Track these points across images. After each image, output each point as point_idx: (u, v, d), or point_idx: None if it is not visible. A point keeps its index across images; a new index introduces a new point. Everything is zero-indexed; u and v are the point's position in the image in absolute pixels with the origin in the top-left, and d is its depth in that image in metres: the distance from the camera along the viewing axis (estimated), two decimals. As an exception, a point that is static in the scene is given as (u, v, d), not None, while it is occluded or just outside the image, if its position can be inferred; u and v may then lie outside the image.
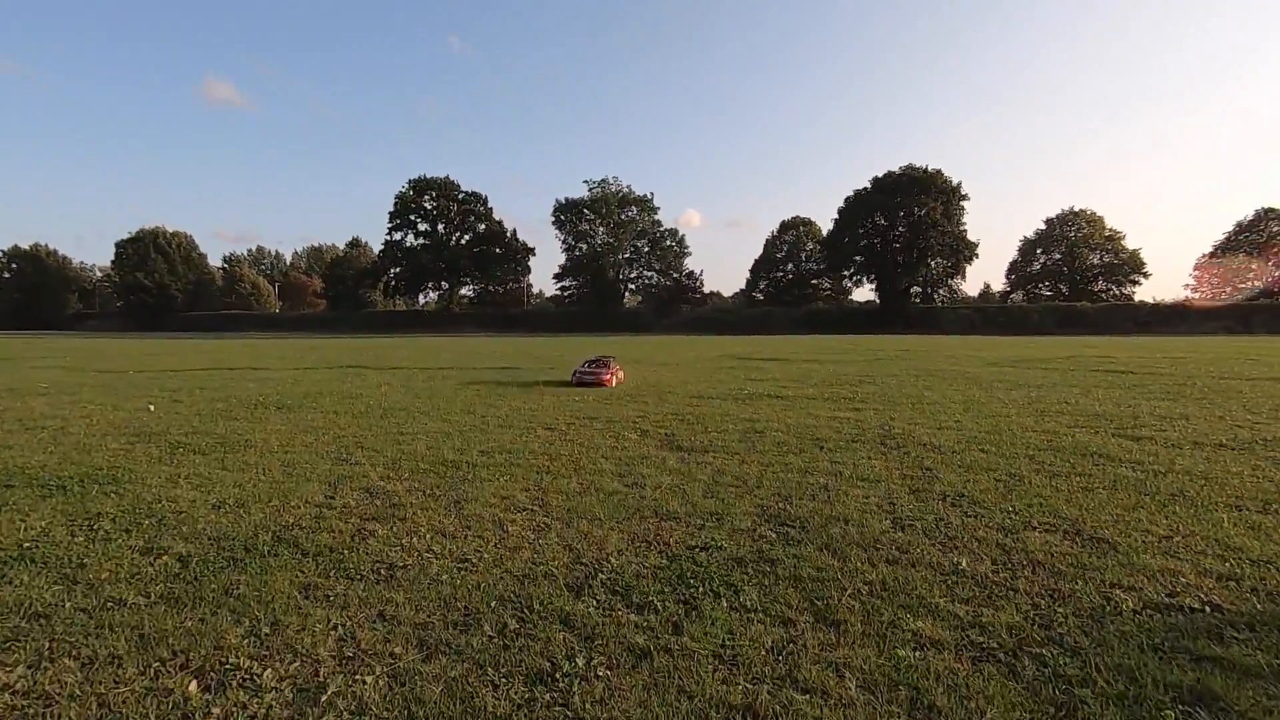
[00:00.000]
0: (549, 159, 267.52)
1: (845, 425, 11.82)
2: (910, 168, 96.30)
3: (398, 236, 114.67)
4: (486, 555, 5.50)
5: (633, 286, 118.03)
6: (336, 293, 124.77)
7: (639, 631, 4.18)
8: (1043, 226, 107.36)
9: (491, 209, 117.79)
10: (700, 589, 4.80)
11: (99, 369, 24.64)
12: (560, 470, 8.54)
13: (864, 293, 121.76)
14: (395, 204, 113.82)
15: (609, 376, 18.42)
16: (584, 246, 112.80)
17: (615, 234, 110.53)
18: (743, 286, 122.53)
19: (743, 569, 5.17)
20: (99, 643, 4.06)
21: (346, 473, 8.45)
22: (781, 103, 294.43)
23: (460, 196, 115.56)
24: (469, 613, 4.45)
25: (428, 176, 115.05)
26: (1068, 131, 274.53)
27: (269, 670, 3.76)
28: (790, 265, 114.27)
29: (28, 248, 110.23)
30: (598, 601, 4.63)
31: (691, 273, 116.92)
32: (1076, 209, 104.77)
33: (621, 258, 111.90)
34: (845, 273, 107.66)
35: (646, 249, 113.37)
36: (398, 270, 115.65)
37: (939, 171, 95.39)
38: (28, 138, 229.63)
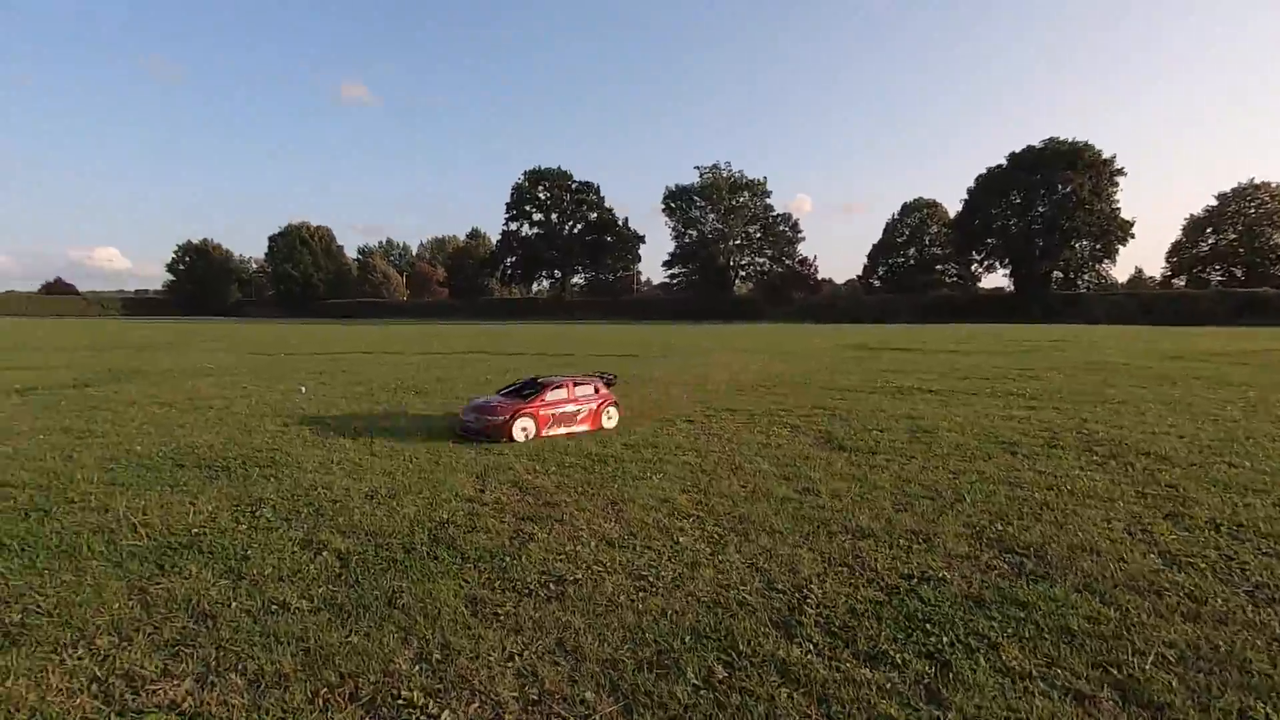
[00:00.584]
0: (661, 146, 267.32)
1: (1029, 426, 10.25)
2: (1054, 141, 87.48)
3: (514, 226, 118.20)
4: (664, 573, 4.77)
5: (744, 273, 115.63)
6: (457, 281, 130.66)
7: (885, 697, 3.27)
8: (1213, 203, 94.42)
9: (603, 198, 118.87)
10: (943, 638, 3.81)
11: (255, 352, 26.51)
12: (716, 469, 7.74)
13: (995, 279, 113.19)
14: (512, 195, 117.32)
15: (508, 421, 9.13)
16: (694, 233, 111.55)
17: (726, 220, 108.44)
18: (859, 273, 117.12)
19: (987, 613, 4.13)
20: (265, 656, 3.66)
21: (491, 463, 8.06)
22: (901, 79, 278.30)
23: (573, 186, 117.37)
24: (662, 650, 3.72)
25: (542, 167, 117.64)
26: (1242, 92, 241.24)
27: (446, 712, 3.18)
28: (912, 250, 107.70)
29: (198, 242, 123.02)
30: (815, 646, 3.76)
31: (805, 259, 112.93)
32: (1257, 181, 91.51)
33: (732, 244, 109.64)
34: (975, 257, 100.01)
35: (758, 235, 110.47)
36: (513, 259, 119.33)
37: (1087, 145, 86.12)
38: (192, 140, 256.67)
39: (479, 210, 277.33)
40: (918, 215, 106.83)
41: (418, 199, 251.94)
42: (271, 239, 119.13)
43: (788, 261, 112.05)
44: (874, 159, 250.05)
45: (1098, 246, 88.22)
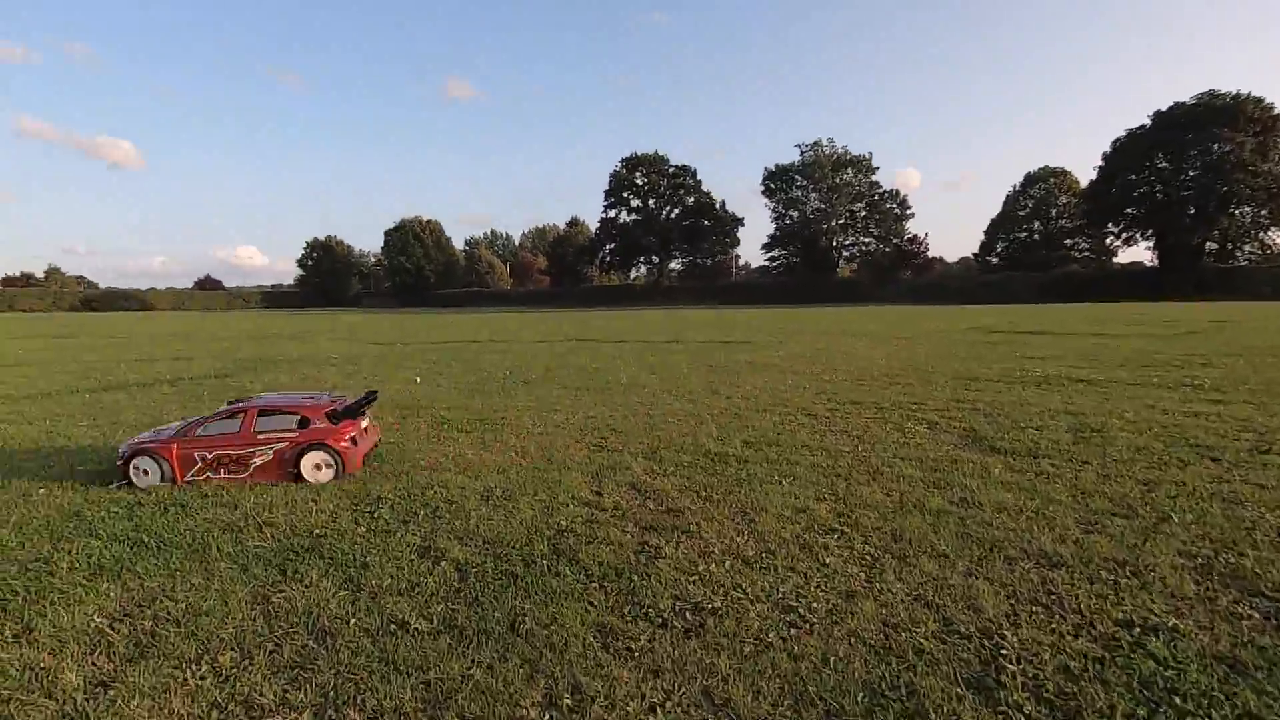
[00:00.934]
0: (758, 126, 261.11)
1: (1225, 425, 8.71)
2: (1211, 95, 77.54)
3: (612, 214, 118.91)
4: (815, 604, 4.12)
5: (848, 254, 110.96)
6: (558, 269, 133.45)
7: (1147, 806, 2.49)
8: None
9: (700, 181, 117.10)
10: (1205, 720, 2.95)
11: (374, 341, 27.78)
12: (853, 473, 6.95)
13: (1133, 252, 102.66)
14: (610, 182, 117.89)
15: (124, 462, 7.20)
16: (795, 214, 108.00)
17: (829, 199, 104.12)
18: (974, 250, 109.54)
19: (1255, 684, 3.20)
20: (384, 689, 3.34)
21: (606, 462, 7.66)
22: (1022, 36, 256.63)
23: (670, 171, 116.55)
24: (832, 713, 3.08)
25: (639, 154, 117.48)
26: None
27: (586, 782, 2.71)
28: (1036, 223, 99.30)
29: (323, 239, 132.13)
30: None
31: (915, 236, 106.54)
32: None
33: (835, 224, 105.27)
34: (1111, 229, 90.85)
35: (863, 213, 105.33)
36: (612, 246, 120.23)
37: (1251, 98, 75.75)
38: (317, 144, 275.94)
39: (579, 199, 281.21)
40: (1042, 186, 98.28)
41: (520, 190, 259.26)
42: (387, 233, 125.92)
43: (895, 240, 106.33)
44: (989, 126, 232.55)
45: (1263, 213, 77.72)
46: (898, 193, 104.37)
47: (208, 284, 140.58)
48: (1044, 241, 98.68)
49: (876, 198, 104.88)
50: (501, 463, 7.62)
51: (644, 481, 6.81)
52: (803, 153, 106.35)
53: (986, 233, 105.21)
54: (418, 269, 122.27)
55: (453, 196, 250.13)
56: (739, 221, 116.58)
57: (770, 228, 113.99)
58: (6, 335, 35.54)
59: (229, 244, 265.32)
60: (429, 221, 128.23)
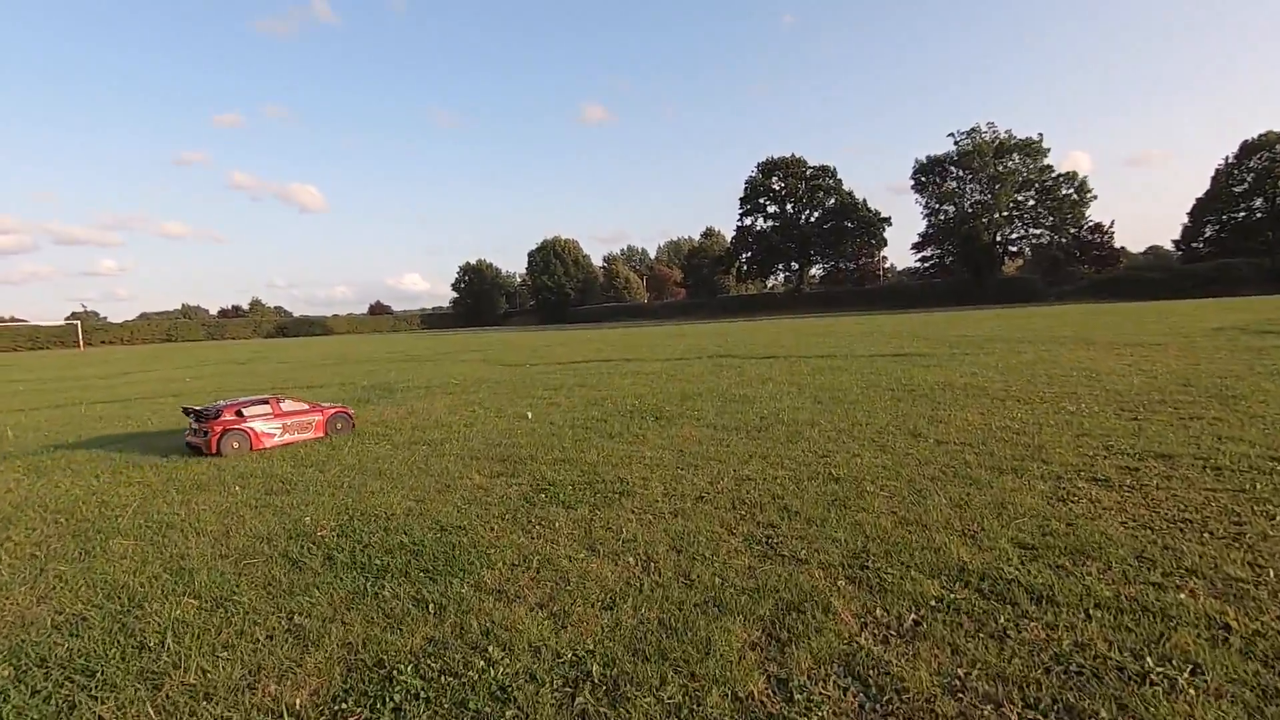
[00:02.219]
0: (895, 123, 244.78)
1: None
2: None
3: (748, 221, 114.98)
4: None
5: (1014, 248, 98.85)
6: (694, 281, 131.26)
7: None
8: None
9: (840, 180, 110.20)
10: None
11: (505, 362, 26.29)
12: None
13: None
14: (745, 189, 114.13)
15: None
16: (950, 209, 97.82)
17: (991, 189, 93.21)
18: (1176, 236, 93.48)
19: None
20: None
21: (783, 576, 4.47)
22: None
23: (808, 173, 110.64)
24: None
25: (775, 157, 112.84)
26: None
27: None
28: (1259, 200, 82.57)
29: (474, 263, 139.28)
30: None
31: (1099, 225, 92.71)
32: None
33: (999, 216, 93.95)
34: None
35: (1032, 201, 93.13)
36: (748, 254, 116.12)
37: None
38: (467, 174, 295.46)
39: (713, 209, 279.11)
40: (1267, 155, 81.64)
41: (655, 205, 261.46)
42: (530, 254, 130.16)
43: (1073, 230, 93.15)
44: (1175, 93, 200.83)
45: None
46: (1075, 176, 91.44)
47: (378, 309, 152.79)
48: (1271, 220, 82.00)
49: (1049, 183, 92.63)
50: (612, 584, 4.63)
51: (868, 658, 3.52)
52: (957, 141, 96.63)
53: (1191, 215, 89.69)
54: (559, 287, 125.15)
55: (590, 215, 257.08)
56: (885, 220, 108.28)
57: (919, 225, 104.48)
58: (193, 361, 38.59)
59: (396, 273, 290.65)
60: (568, 240, 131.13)
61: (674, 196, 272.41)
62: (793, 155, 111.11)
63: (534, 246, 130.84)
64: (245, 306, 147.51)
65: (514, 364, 25.32)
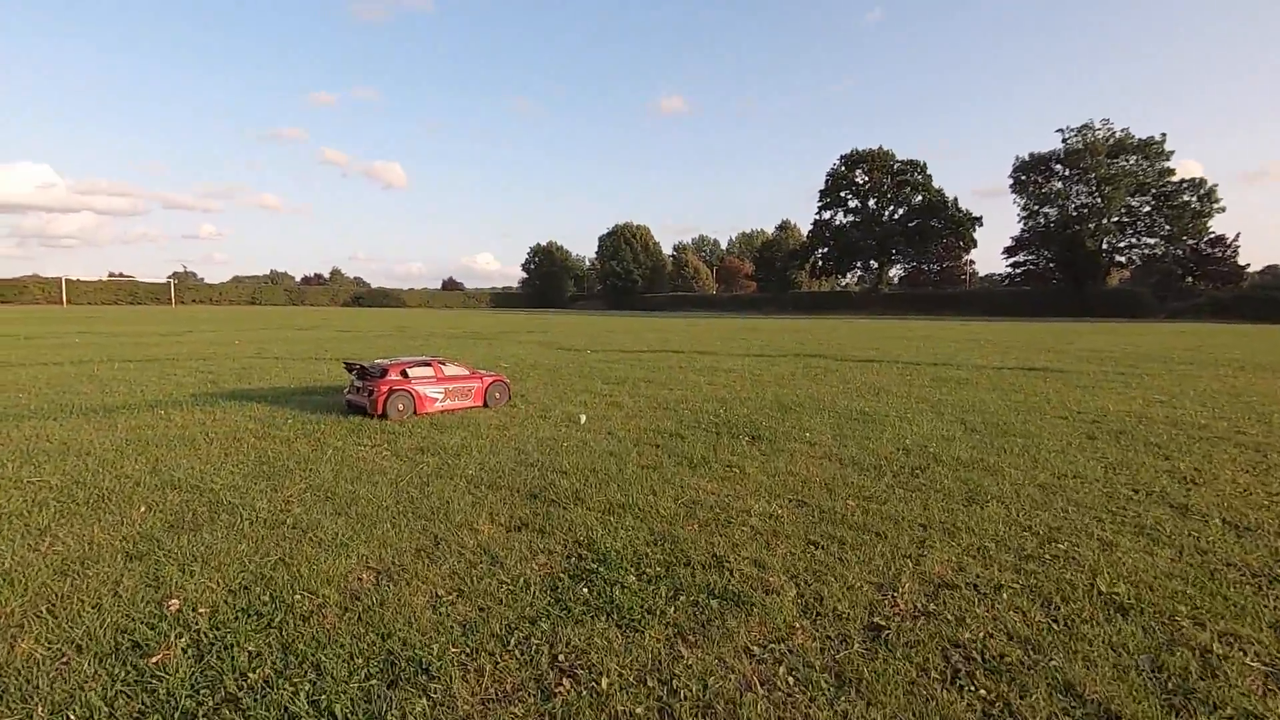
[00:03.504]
0: (982, 123, 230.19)
1: None
2: None
3: (826, 215, 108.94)
4: None
5: (1121, 258, 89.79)
6: (765, 274, 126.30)
7: None
8: None
9: (930, 176, 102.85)
10: None
11: (564, 346, 23.64)
12: None
13: None
14: (826, 181, 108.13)
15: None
16: (1052, 212, 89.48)
17: (1100, 192, 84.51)
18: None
19: None
20: None
21: None
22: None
23: (895, 167, 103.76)
24: None
25: (860, 150, 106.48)
26: None
27: None
28: None
29: (544, 245, 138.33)
30: None
31: (1220, 237, 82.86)
32: None
33: (1107, 222, 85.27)
34: None
35: (1147, 208, 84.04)
36: (825, 250, 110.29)
37: None
38: (546, 160, 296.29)
39: (788, 203, 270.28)
40: None
41: (728, 196, 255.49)
42: (601, 238, 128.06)
43: (1191, 242, 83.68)
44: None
45: None
46: (1202, 182, 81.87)
47: (450, 286, 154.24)
48: None
49: (1168, 189, 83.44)
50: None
51: None
52: (1065, 138, 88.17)
53: (1337, 231, 78.76)
54: (626, 273, 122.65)
55: (662, 204, 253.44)
56: (976, 221, 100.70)
57: (1006, 231, 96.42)
58: (258, 324, 37.81)
59: (470, 252, 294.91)
60: (639, 227, 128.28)
61: (748, 189, 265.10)
62: (880, 148, 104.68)
63: (605, 231, 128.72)
64: (326, 275, 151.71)
65: (573, 349, 22.63)
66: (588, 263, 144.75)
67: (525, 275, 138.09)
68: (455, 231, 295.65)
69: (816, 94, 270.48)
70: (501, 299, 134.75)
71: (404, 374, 9.37)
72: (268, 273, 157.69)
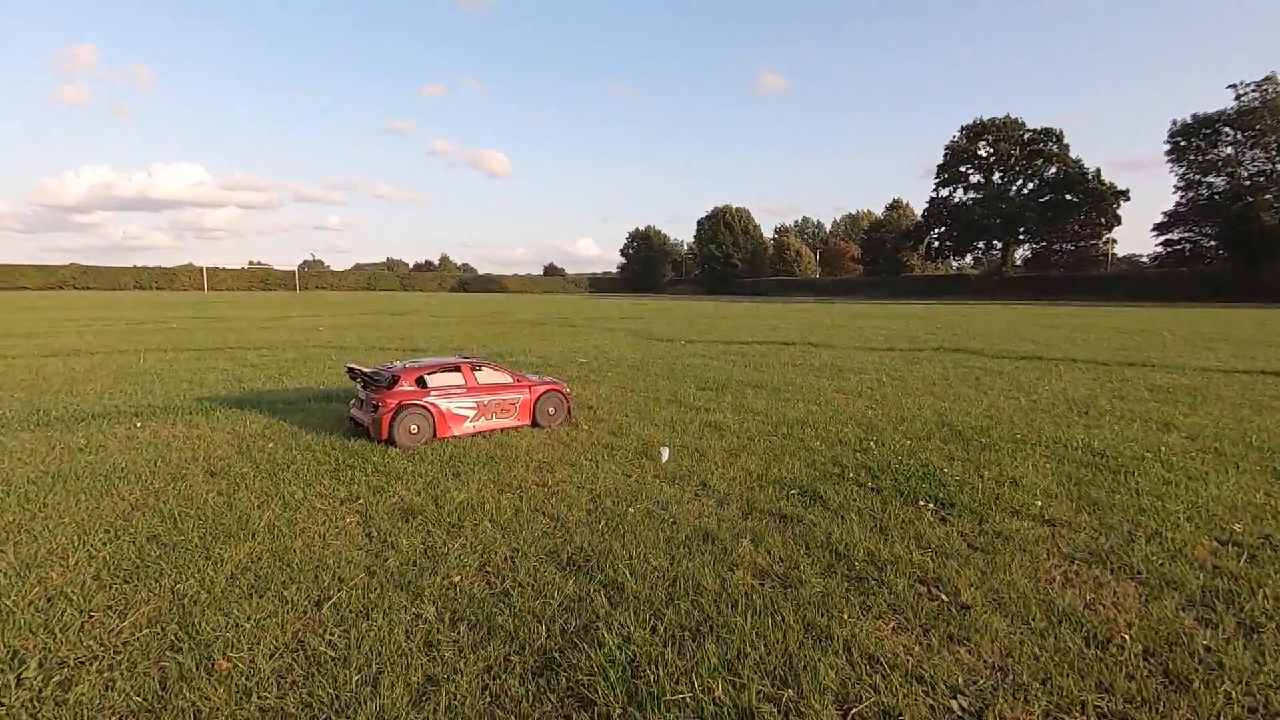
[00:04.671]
0: (1121, 89, 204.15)
1: None
2: None
3: (944, 193, 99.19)
4: None
5: (1307, 234, 75.63)
6: (873, 257, 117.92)
7: None
8: None
9: (1067, 146, 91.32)
10: None
11: (655, 335, 20.76)
12: None
13: None
14: (945, 155, 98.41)
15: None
16: (1218, 181, 76.72)
17: (1282, 156, 71.39)
18: None
19: None
20: None
21: None
22: None
23: (1024, 136, 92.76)
24: None
25: (984, 119, 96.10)
26: None
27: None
28: None
29: (643, 229, 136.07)
30: None
31: None
32: None
33: (1292, 192, 71.82)
34: None
35: (1348, 175, 70.06)
36: (942, 230, 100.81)
37: None
38: (644, 143, 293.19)
39: (898, 183, 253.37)
40: None
41: (833, 177, 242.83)
42: (699, 222, 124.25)
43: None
44: None
45: None
46: None
47: (551, 271, 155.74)
48: None
49: (1380, 150, 69.20)
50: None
51: None
52: (1240, 95, 75.07)
53: None
54: (725, 256, 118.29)
55: (763, 186, 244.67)
56: (1121, 195, 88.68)
57: (1156, 204, 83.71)
58: (357, 309, 37.61)
59: (571, 237, 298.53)
60: (738, 209, 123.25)
61: (854, 168, 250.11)
62: (1007, 116, 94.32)
63: (703, 214, 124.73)
64: (436, 262, 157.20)
65: (665, 339, 19.71)
66: (685, 247, 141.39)
67: (623, 260, 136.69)
68: (556, 218, 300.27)
69: (929, 64, 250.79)
70: (600, 284, 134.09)
71: (420, 382, 6.76)
72: (384, 260, 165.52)
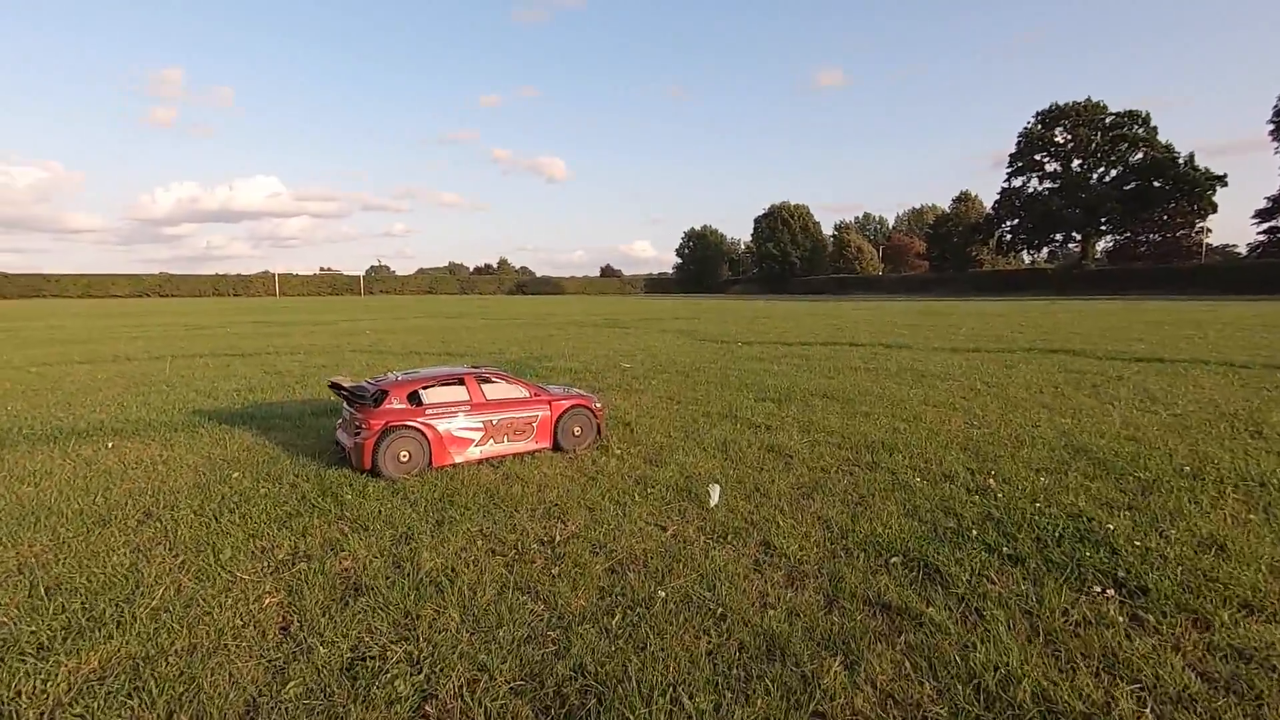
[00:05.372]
0: (1236, 62, 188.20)
1: None
2: None
3: (1017, 183, 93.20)
4: None
5: None
6: (939, 252, 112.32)
7: None
8: None
9: (1155, 129, 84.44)
10: None
11: (711, 336, 19.21)
12: None
13: None
14: (1018, 143, 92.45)
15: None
16: (1335, 160, 69.22)
17: None
18: None
19: None
20: None
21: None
22: None
23: (1106, 120, 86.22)
24: None
25: (1061, 104, 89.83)
26: None
27: None
28: None
29: (699, 229, 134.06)
30: None
31: None
32: None
33: None
34: None
35: None
36: (1015, 222, 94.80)
37: None
38: (698, 145, 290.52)
39: (965, 175, 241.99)
40: None
41: (896, 171, 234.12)
42: (756, 220, 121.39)
43: None
44: None
45: None
46: None
47: (608, 273, 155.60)
48: None
49: None
50: None
51: None
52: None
53: None
54: (783, 255, 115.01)
55: (821, 182, 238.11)
56: (1217, 180, 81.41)
57: (1254, 191, 76.51)
58: (416, 313, 37.46)
59: (627, 239, 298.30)
60: (797, 206, 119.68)
61: (916, 162, 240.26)
62: (1088, 100, 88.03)
63: (760, 212, 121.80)
64: (495, 265, 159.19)
65: (721, 340, 18.14)
66: (743, 246, 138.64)
67: (679, 260, 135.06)
68: (613, 220, 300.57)
69: (996, 51, 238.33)
70: (655, 284, 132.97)
71: (414, 399, 5.50)
72: (446, 264, 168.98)
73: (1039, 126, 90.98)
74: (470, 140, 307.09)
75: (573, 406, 6.10)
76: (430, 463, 5.37)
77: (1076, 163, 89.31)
